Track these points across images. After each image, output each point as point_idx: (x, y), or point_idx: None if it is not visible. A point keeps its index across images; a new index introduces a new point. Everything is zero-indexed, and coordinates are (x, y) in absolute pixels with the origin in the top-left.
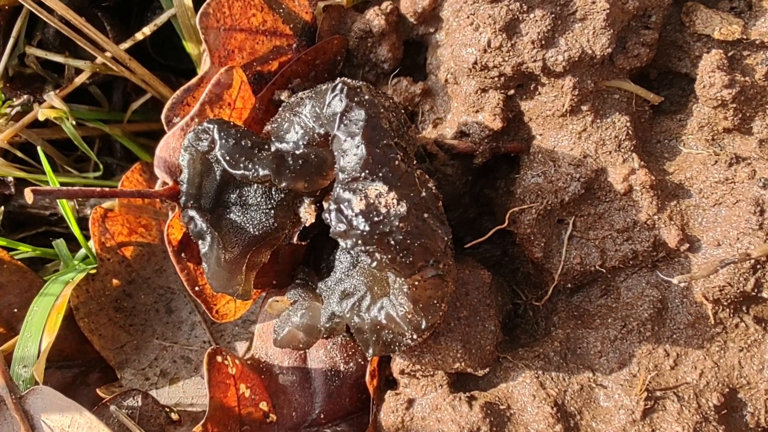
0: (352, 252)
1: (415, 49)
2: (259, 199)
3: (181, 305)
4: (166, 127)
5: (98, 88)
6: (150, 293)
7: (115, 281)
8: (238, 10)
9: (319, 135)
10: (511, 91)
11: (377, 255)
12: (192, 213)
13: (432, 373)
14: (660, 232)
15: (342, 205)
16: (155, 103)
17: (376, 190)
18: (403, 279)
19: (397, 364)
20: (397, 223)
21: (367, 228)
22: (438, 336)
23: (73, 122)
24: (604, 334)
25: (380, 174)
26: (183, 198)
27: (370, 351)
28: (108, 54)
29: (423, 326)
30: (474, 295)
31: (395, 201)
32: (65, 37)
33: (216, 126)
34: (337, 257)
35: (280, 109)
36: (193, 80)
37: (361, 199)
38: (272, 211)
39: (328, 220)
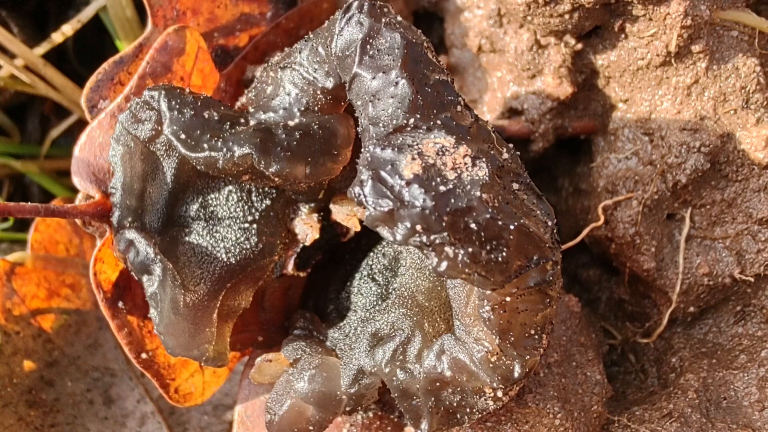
0: (404, 247)
1: (424, 24)
2: (233, 209)
3: (125, 392)
4: (88, 116)
5: (6, 114)
6: (80, 378)
7: (27, 364)
8: None
9: (324, 92)
10: (579, 45)
11: (448, 250)
12: (131, 235)
13: None
14: None
15: (382, 171)
16: (82, 129)
17: (436, 143)
18: (485, 294)
19: None
20: (477, 194)
21: (430, 202)
22: (524, 394)
23: None
24: (760, 375)
25: (438, 121)
26: (117, 213)
27: (424, 425)
28: (18, 62)
29: (515, 374)
30: (562, 331)
31: (469, 160)
32: None
33: (163, 93)
34: (353, 289)
35: (260, 71)
36: (128, 49)
37: (413, 158)
38: (254, 227)
39: (360, 197)
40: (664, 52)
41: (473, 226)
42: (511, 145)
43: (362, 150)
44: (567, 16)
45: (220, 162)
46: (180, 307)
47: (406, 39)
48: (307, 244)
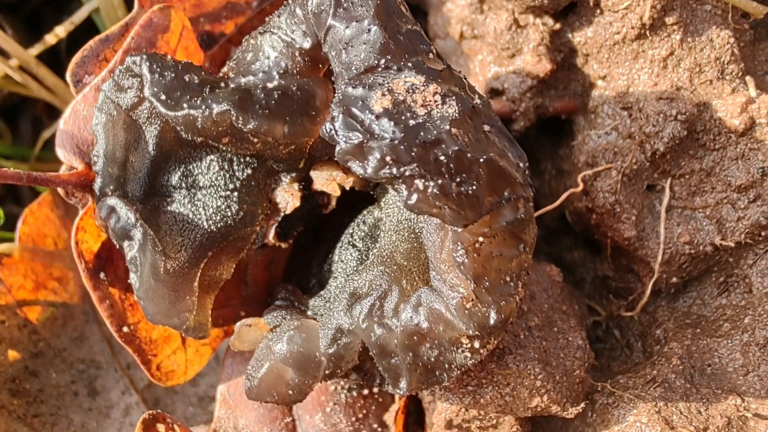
0: (373, 179)
1: None
2: (214, 178)
3: (111, 383)
4: (73, 90)
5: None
6: (65, 370)
7: (12, 354)
8: None
9: (302, 53)
10: (557, 25)
11: (418, 182)
12: (113, 201)
13: (495, 422)
14: None
15: (353, 107)
16: None
17: (407, 81)
18: (458, 235)
19: (441, 411)
20: (447, 128)
21: (399, 134)
22: (504, 356)
23: None
24: (744, 340)
25: (410, 63)
26: (99, 181)
27: (403, 383)
28: (13, 62)
29: (491, 321)
30: (543, 299)
31: (439, 98)
32: None
33: (145, 58)
34: (334, 258)
35: (243, 41)
36: (114, 27)
37: (383, 94)
38: (235, 194)
39: (331, 132)
40: (638, 24)
41: (442, 158)
42: (484, 95)
43: (337, 88)
44: None
45: (200, 120)
46: (160, 273)
47: None
48: (288, 212)
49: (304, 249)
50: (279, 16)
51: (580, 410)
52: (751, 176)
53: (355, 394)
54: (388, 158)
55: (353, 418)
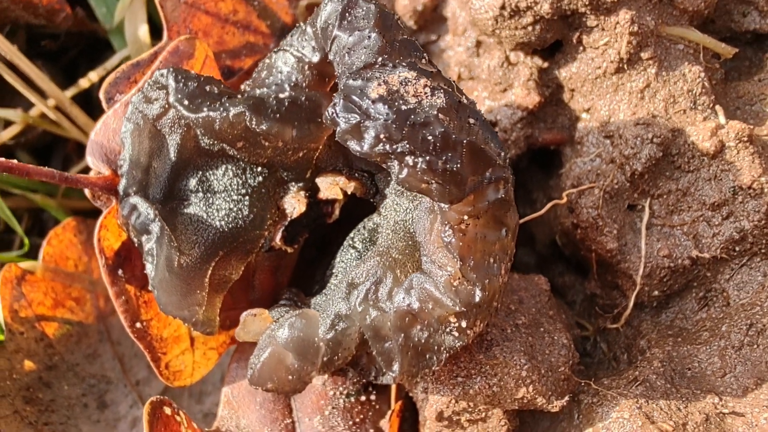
0: (369, 156)
1: None
2: (228, 182)
3: (119, 397)
4: (105, 106)
5: (33, 155)
6: (77, 384)
7: (28, 363)
8: None
9: (311, 66)
10: (546, 63)
11: (408, 159)
12: (135, 200)
13: (484, 414)
14: None
15: (352, 95)
16: None
17: (401, 76)
18: (446, 215)
19: (433, 404)
20: (435, 113)
21: (392, 115)
22: (491, 347)
23: None
24: (721, 345)
25: (404, 63)
26: (123, 182)
27: (395, 367)
28: (50, 102)
29: (477, 298)
30: (531, 303)
31: (429, 90)
32: None
33: (171, 70)
34: (336, 261)
35: (258, 63)
36: (144, 54)
37: (379, 84)
38: (246, 198)
39: (332, 115)
40: (617, 59)
41: (429, 137)
42: (473, 99)
43: (339, 81)
44: (530, 28)
45: (218, 121)
46: (174, 266)
47: (380, 8)
48: (294, 216)
49: (309, 263)
50: (291, 36)
51: (565, 403)
52: (723, 195)
53: (353, 399)
54: (382, 136)
55: (350, 422)
